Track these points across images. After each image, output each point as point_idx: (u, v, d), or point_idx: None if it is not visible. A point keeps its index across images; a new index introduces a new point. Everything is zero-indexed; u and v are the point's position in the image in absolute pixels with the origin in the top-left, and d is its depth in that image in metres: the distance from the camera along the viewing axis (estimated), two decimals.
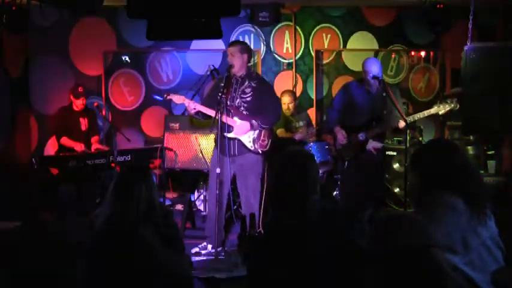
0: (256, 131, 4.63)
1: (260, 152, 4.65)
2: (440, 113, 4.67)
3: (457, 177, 2.39)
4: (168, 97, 4.68)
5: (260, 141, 4.65)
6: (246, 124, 4.58)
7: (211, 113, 4.51)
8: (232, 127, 4.58)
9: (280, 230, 2.30)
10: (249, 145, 4.61)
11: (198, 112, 4.61)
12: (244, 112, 4.61)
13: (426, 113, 4.71)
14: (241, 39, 6.41)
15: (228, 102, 4.60)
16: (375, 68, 4.78)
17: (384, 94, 4.76)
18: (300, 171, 2.39)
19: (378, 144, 4.89)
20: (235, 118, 4.59)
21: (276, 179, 2.48)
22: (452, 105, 4.64)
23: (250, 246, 2.61)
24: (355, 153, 4.90)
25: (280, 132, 5.67)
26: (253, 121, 4.57)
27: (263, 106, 4.68)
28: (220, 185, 4.50)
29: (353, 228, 2.23)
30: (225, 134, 4.52)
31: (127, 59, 6.71)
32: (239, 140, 4.61)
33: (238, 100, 4.62)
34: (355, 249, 2.08)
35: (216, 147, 4.65)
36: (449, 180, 2.38)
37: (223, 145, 4.53)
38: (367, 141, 4.86)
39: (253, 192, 4.65)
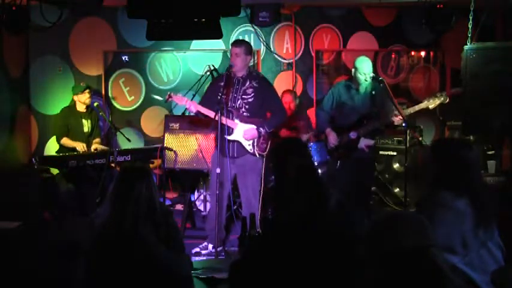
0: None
1: (258, 155, 4.66)
2: (430, 107, 4.69)
3: (459, 178, 2.39)
4: (170, 99, 4.69)
5: (260, 145, 4.67)
6: (253, 131, 4.59)
7: (210, 113, 4.51)
8: (233, 129, 4.59)
9: (292, 226, 2.30)
10: (249, 148, 4.63)
11: (198, 112, 4.63)
12: (245, 114, 4.61)
13: (417, 107, 4.74)
14: (240, 38, 6.42)
15: (229, 103, 4.61)
16: (367, 66, 4.79)
17: (373, 92, 4.80)
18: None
19: (370, 142, 4.90)
20: (236, 120, 4.59)
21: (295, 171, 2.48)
22: (442, 99, 4.67)
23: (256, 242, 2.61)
24: (346, 153, 4.91)
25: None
26: (261, 129, 4.58)
27: (267, 109, 4.71)
28: (220, 185, 4.51)
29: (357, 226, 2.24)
30: (226, 136, 4.53)
31: (126, 58, 6.70)
32: (239, 142, 4.61)
33: (239, 101, 4.62)
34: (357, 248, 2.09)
35: (216, 147, 4.66)
36: (451, 181, 2.38)
37: (223, 146, 4.53)
38: (359, 140, 4.87)
39: (253, 192, 4.66)
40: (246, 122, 4.61)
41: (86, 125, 5.82)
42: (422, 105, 4.72)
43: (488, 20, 5.83)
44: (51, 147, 6.37)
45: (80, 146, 5.57)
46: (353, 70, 4.90)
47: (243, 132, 4.59)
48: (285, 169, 2.75)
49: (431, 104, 4.67)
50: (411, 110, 4.74)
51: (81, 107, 5.80)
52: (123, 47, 6.61)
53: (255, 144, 4.64)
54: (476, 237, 2.32)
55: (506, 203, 4.46)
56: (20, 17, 4.88)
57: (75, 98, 5.79)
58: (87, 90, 5.75)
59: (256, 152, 4.64)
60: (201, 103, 4.71)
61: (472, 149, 2.53)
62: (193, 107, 4.58)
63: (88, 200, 5.28)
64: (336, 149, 4.93)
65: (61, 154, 5.62)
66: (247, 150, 4.64)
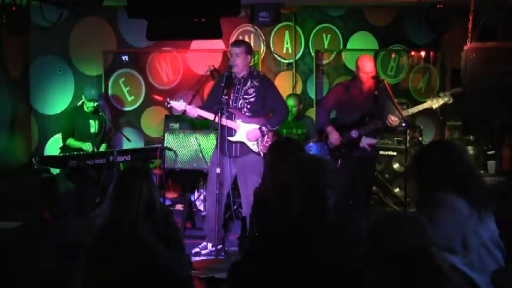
0: None
1: (263, 154, 4.66)
2: (433, 107, 4.68)
3: (459, 178, 2.39)
4: (169, 105, 4.70)
5: (264, 143, 4.66)
6: (256, 131, 4.59)
7: (211, 116, 4.51)
8: (235, 130, 4.59)
9: (290, 228, 2.30)
10: (253, 147, 4.63)
11: (199, 116, 4.63)
12: (247, 114, 4.61)
13: (420, 107, 4.73)
14: (240, 38, 6.43)
15: (231, 104, 4.61)
16: (369, 65, 4.78)
17: (376, 92, 4.79)
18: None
19: (373, 141, 4.89)
20: (238, 121, 4.59)
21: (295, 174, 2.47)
22: (446, 99, 4.65)
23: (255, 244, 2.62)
24: (348, 151, 4.90)
25: None
26: (263, 128, 4.58)
27: (269, 108, 4.71)
28: (220, 185, 4.50)
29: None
30: (229, 138, 4.52)
31: (126, 58, 6.70)
32: (242, 142, 4.61)
33: (241, 101, 4.61)
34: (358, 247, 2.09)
35: (216, 147, 4.66)
36: (451, 181, 2.38)
37: (224, 147, 4.53)
38: (360, 139, 4.86)
39: (254, 191, 4.66)
40: (248, 122, 4.61)
41: (94, 126, 5.79)
42: (426, 105, 4.70)
43: (488, 20, 5.83)
44: (51, 147, 6.37)
45: (87, 147, 5.55)
46: (355, 69, 4.90)
47: (245, 133, 4.59)
48: (283, 168, 2.75)
49: (435, 103, 4.65)
50: (415, 109, 4.73)
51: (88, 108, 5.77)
52: (123, 47, 6.61)
53: (260, 143, 4.65)
54: (477, 237, 2.32)
55: (506, 203, 4.46)
56: (20, 17, 4.89)
57: (84, 97, 5.76)
58: (94, 100, 5.71)
59: (261, 151, 4.64)
60: (203, 107, 4.71)
61: (459, 150, 2.54)
62: (193, 111, 4.58)
63: (88, 200, 5.28)
64: (337, 148, 4.92)
65: (61, 154, 5.62)
66: (251, 150, 4.64)
